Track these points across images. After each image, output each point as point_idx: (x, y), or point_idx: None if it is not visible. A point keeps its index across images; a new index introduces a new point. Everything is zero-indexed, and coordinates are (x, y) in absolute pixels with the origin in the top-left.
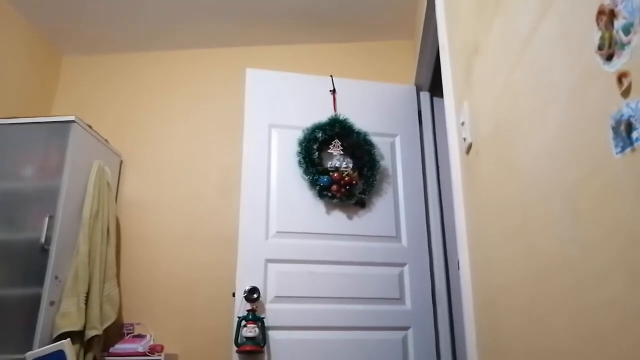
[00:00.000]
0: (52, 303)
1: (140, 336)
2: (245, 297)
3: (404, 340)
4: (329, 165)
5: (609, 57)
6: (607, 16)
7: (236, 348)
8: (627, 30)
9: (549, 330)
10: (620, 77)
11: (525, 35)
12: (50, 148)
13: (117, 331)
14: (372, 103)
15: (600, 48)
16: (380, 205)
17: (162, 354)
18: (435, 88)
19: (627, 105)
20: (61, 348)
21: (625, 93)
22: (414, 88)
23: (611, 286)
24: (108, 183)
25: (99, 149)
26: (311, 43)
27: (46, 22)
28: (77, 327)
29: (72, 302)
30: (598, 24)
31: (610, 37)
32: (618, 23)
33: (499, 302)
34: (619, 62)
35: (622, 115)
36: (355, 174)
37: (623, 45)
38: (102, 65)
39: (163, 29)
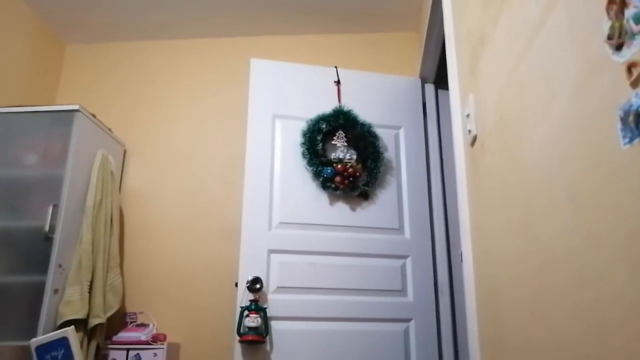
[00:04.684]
0: (55, 291)
1: (143, 325)
2: (247, 287)
3: (406, 332)
4: (332, 157)
5: (619, 47)
6: (617, 5)
7: (239, 338)
8: (638, 19)
9: (551, 323)
10: (630, 67)
11: (532, 26)
12: (54, 137)
13: (120, 320)
14: (377, 95)
15: (609, 38)
16: (384, 197)
17: (165, 343)
18: (440, 80)
19: (637, 95)
20: (65, 335)
21: (635, 83)
22: (419, 80)
23: (615, 279)
24: (112, 172)
25: (103, 138)
26: (316, 34)
27: (49, 10)
28: (80, 315)
29: (76, 291)
30: (608, 13)
31: (621, 27)
32: (629, 12)
33: (501, 294)
34: (629, 52)
35: (631, 106)
36: (359, 165)
37: (633, 35)
38: (106, 54)
39: (168, 18)
